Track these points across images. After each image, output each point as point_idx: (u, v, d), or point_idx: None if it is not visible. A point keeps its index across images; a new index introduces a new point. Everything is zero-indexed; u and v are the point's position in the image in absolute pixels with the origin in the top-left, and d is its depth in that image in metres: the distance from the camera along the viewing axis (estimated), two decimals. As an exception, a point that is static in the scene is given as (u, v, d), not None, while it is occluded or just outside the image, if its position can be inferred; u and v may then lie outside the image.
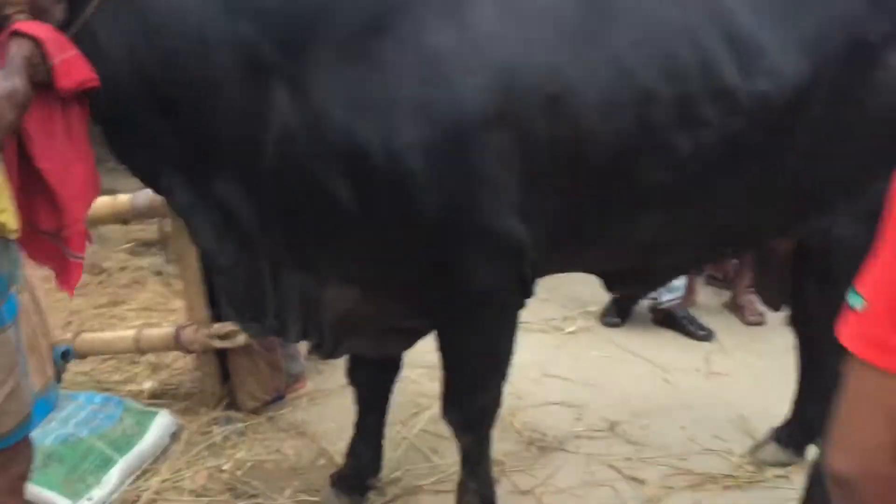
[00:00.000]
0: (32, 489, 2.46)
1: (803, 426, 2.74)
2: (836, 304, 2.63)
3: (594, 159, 1.88)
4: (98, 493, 2.50)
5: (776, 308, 2.69)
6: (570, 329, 3.89)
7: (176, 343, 2.90)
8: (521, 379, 3.37)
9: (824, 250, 2.21)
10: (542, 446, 2.92)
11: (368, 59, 1.75)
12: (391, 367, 2.49)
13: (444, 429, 3.00)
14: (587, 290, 4.07)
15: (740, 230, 2.23)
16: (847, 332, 0.90)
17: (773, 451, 2.79)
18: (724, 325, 3.88)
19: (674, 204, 2.03)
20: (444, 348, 2.13)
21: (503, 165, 1.82)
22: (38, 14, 1.68)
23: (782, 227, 2.25)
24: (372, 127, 1.75)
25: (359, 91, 1.75)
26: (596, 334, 3.87)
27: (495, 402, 2.21)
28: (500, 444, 2.91)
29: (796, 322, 2.56)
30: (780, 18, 1.95)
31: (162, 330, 2.98)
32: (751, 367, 3.51)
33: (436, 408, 3.12)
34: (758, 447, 2.82)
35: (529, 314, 3.90)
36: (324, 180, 1.79)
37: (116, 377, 3.37)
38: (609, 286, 2.46)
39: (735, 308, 4.01)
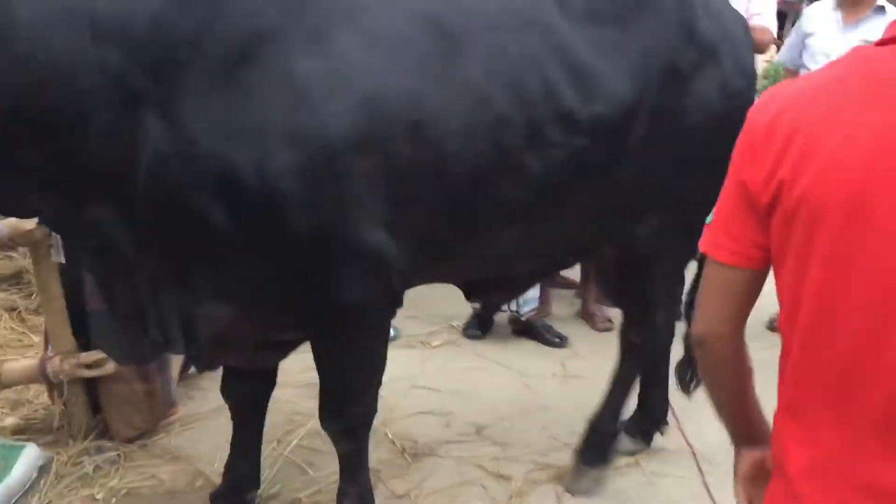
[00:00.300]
0: None
1: (648, 415, 3.04)
2: (656, 301, 2.98)
3: (455, 180, 2.06)
4: (-35, 531, 2.43)
5: (614, 301, 3.05)
6: (436, 343, 4.07)
7: (41, 375, 2.85)
8: (392, 392, 3.51)
9: (646, 253, 2.54)
10: (414, 453, 3.07)
11: (238, 87, 1.82)
12: (265, 381, 2.57)
13: (320, 444, 3.12)
14: (450, 306, 4.28)
15: (585, 239, 2.49)
16: (701, 240, 1.26)
17: (623, 442, 3.06)
18: (576, 333, 4.18)
19: (528, 218, 2.24)
20: (321, 360, 2.23)
21: (370, 186, 1.94)
22: None
23: (617, 234, 2.54)
24: (243, 152, 1.82)
25: (229, 118, 1.82)
26: (460, 347, 4.07)
27: (371, 408, 2.34)
28: (375, 453, 3.03)
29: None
30: (610, 49, 2.22)
31: (25, 362, 2.92)
32: (602, 369, 3.71)
33: (311, 424, 3.23)
34: None
35: (396, 330, 4.08)
36: (197, 204, 1.85)
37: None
38: (470, 296, 2.66)
39: (586, 316, 4.32)
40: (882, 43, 1.08)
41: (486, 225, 2.20)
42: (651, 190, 2.40)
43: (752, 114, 1.21)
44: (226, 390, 2.55)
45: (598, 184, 2.29)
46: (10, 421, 3.12)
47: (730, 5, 2.64)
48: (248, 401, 2.58)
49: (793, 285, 1.12)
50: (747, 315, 1.24)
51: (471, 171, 2.06)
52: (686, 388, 3.00)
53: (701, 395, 3.39)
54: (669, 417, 3.14)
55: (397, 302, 2.20)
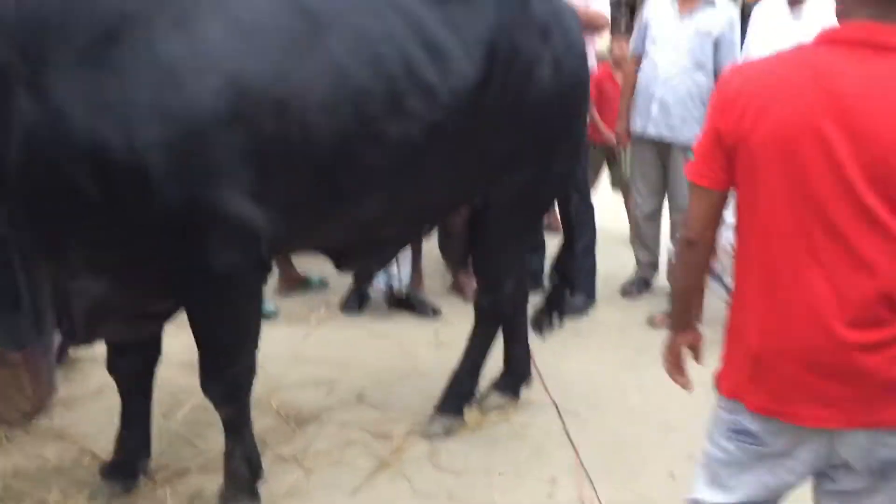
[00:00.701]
0: None
1: (513, 372, 3.32)
2: (502, 269, 3.24)
3: (321, 150, 2.23)
4: None
5: (460, 265, 3.40)
6: (316, 319, 4.22)
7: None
8: (275, 365, 3.65)
9: (488, 212, 2.85)
10: (298, 420, 3.22)
11: (105, 66, 1.93)
12: (150, 353, 2.65)
13: (206, 417, 3.22)
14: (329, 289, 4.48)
15: (442, 203, 2.77)
16: (686, 170, 1.73)
17: (494, 399, 3.33)
18: (449, 304, 4.43)
19: (390, 184, 2.45)
20: (197, 325, 2.35)
21: (236, 159, 2.08)
22: None
23: (468, 197, 2.83)
24: (112, 127, 1.93)
25: (98, 94, 1.92)
26: (339, 321, 4.24)
27: (250, 370, 2.47)
28: (260, 421, 3.15)
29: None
30: (461, 28, 2.47)
31: None
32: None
33: (195, 400, 3.31)
34: (482, 397, 3.34)
35: (277, 308, 4.20)
36: (69, 177, 1.94)
37: None
38: (338, 263, 2.83)
39: (457, 288, 4.58)
40: (818, 43, 1.54)
41: (351, 191, 2.39)
42: (499, 157, 2.68)
43: (723, 81, 1.71)
44: (112, 365, 2.62)
45: (452, 151, 2.52)
46: None
47: None
48: (135, 373, 2.65)
49: (746, 202, 1.62)
50: (719, 221, 1.74)
51: (335, 141, 2.24)
52: (541, 331, 3.37)
53: (560, 350, 3.74)
54: (533, 373, 3.43)
55: (266, 266, 2.35)
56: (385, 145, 2.35)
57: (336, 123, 2.23)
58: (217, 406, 2.49)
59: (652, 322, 4.28)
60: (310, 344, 3.94)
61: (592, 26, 4.26)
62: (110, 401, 2.83)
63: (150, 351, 2.65)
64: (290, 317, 4.24)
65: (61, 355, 3.33)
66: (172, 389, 3.37)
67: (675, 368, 1.91)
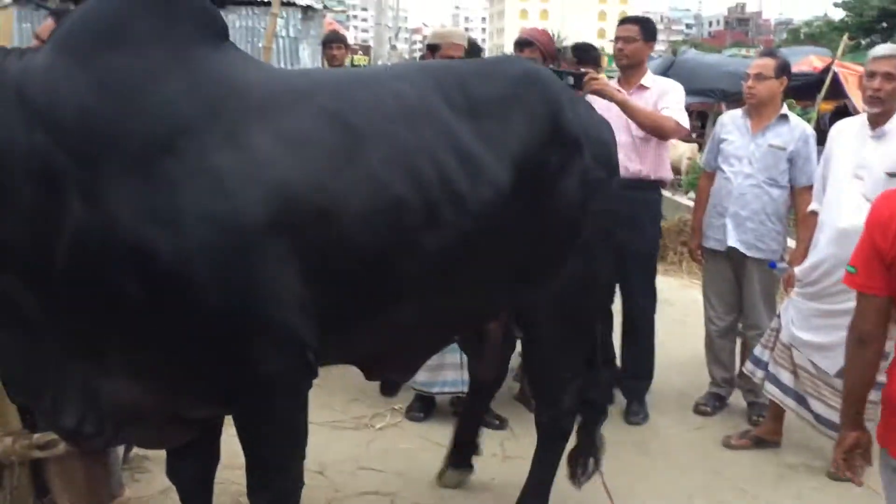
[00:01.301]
0: None
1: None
2: (555, 383, 3.13)
3: (357, 259, 2.25)
4: None
5: (491, 378, 3.36)
6: (380, 425, 4.19)
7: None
8: (338, 472, 3.63)
9: (533, 327, 2.90)
10: (359, 532, 3.16)
11: (157, 174, 1.99)
12: (209, 459, 2.64)
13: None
14: (393, 389, 4.42)
15: (473, 311, 2.78)
16: (850, 283, 2.15)
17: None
18: (514, 414, 4.33)
19: (423, 292, 2.44)
20: (243, 435, 2.32)
21: (282, 267, 2.11)
22: None
23: (501, 306, 2.87)
24: (161, 233, 1.97)
25: (148, 201, 1.97)
26: (403, 429, 4.19)
27: (297, 480, 2.42)
28: (323, 533, 3.13)
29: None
30: (493, 141, 2.51)
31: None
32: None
33: (257, 505, 3.28)
34: None
35: (341, 413, 4.19)
36: (115, 280, 1.98)
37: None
38: (367, 373, 2.79)
39: (523, 399, 4.49)
40: None
41: (385, 300, 2.38)
42: (530, 266, 2.71)
43: (877, 205, 2.10)
44: (171, 469, 2.61)
45: (482, 259, 2.53)
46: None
47: (592, 109, 3.05)
48: (194, 479, 2.64)
49: None
50: (888, 321, 2.10)
51: (372, 249, 2.26)
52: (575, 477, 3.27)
53: (630, 468, 3.60)
54: (602, 492, 3.31)
55: (313, 373, 2.32)
56: (419, 253, 2.36)
57: (373, 232, 2.26)
58: None
59: (728, 443, 4.11)
60: (373, 451, 3.89)
61: (659, 131, 4.23)
62: (176, 502, 2.81)
63: (208, 455, 2.64)
64: (355, 421, 4.21)
65: (126, 455, 3.38)
66: (235, 493, 3.35)
67: (846, 465, 2.15)
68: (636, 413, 4.42)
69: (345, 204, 2.19)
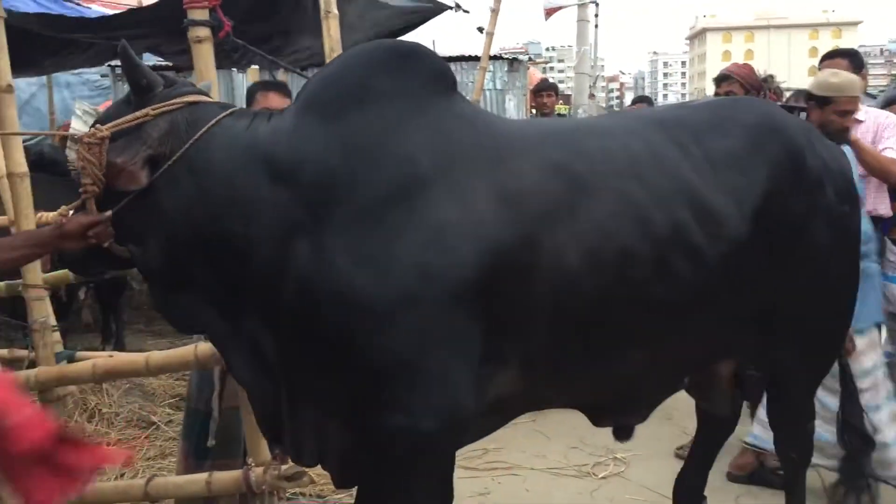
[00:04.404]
0: None
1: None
2: (802, 414, 2.93)
3: (572, 313, 2.20)
4: None
5: (720, 416, 3.13)
6: (603, 474, 4.09)
7: (244, 484, 3.07)
8: (564, 520, 3.55)
9: (781, 366, 2.75)
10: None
11: (381, 225, 2.05)
12: (446, 498, 2.60)
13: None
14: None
15: (702, 358, 2.70)
16: None
17: None
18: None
19: (648, 344, 2.37)
20: (382, 492, 2.24)
21: (476, 323, 2.08)
22: (123, 181, 2.09)
23: (731, 352, 2.75)
24: (370, 277, 2.02)
25: (367, 249, 2.03)
26: (627, 478, 4.06)
27: None
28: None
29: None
30: (733, 193, 2.41)
31: (234, 473, 3.16)
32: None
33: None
34: None
35: (563, 459, 4.14)
36: (328, 323, 2.04)
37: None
38: (594, 419, 2.68)
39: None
40: None
41: (607, 351, 2.33)
42: (763, 313, 2.57)
43: None
44: None
45: (715, 309, 2.44)
46: (208, 529, 3.35)
47: (825, 140, 2.82)
48: None
49: None
50: None
51: (591, 303, 2.21)
52: None
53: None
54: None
55: (459, 443, 2.31)
56: (648, 305, 2.30)
57: (594, 286, 2.20)
58: None
59: None
60: (598, 500, 3.80)
61: (886, 175, 3.92)
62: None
63: (445, 497, 2.59)
64: (575, 469, 4.13)
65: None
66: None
67: None
68: None
69: (561, 259, 2.16)
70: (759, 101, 3.33)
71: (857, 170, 3.91)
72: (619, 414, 2.72)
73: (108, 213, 2.13)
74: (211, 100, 2.34)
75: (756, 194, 2.44)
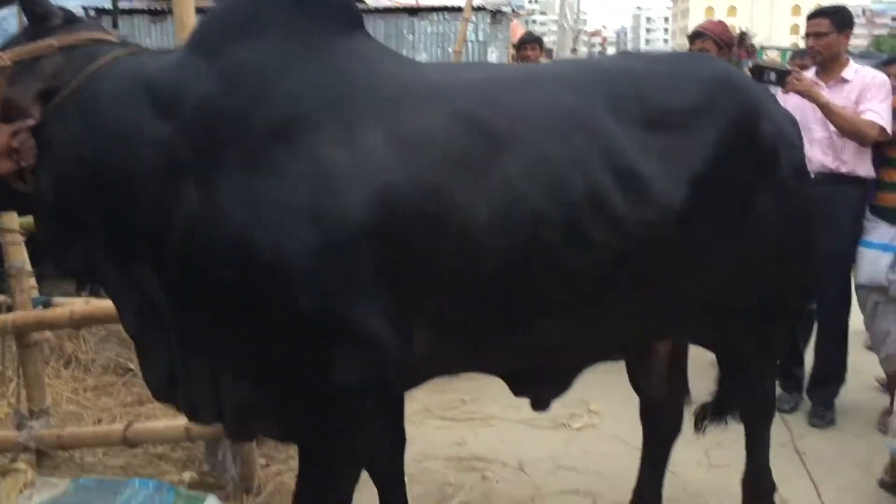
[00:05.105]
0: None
1: None
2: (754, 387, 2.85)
3: (484, 275, 2.06)
4: (157, 569, 2.67)
5: (658, 398, 3.04)
6: (578, 426, 4.16)
7: (225, 434, 3.10)
8: (537, 470, 3.65)
9: (728, 343, 2.64)
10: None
11: (268, 166, 1.97)
12: (397, 444, 2.69)
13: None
14: (589, 391, 4.37)
15: (634, 333, 2.50)
16: None
17: None
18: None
19: (569, 314, 2.22)
20: (300, 443, 2.23)
21: (378, 274, 1.98)
22: (14, 114, 2.00)
23: (670, 329, 2.59)
24: (263, 226, 1.93)
25: (256, 193, 1.94)
26: (600, 430, 4.14)
27: (348, 501, 2.28)
28: (526, 528, 3.15)
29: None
30: (666, 154, 2.21)
31: (212, 421, 3.18)
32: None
33: (462, 496, 3.37)
34: None
35: (539, 413, 4.19)
36: (217, 271, 1.97)
37: (150, 470, 3.54)
38: (512, 387, 2.55)
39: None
40: None
41: (522, 319, 2.18)
42: (712, 293, 2.42)
43: None
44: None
45: (645, 282, 2.28)
46: (187, 475, 3.40)
47: (783, 109, 2.67)
48: (384, 465, 2.68)
49: None
50: None
51: (501, 267, 2.07)
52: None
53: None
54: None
55: (389, 390, 2.17)
56: (562, 274, 2.14)
57: (503, 248, 2.06)
58: None
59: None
60: (572, 451, 3.88)
61: (860, 137, 3.98)
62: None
63: (395, 444, 2.68)
64: (551, 420, 4.19)
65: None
66: (441, 483, 3.45)
67: None
68: (821, 416, 4.31)
69: (468, 215, 2.02)
70: (720, 61, 3.16)
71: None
72: (540, 385, 2.58)
73: (31, 120, 2.02)
74: (117, 41, 2.22)
75: (699, 158, 2.25)
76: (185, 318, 2.07)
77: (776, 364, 2.98)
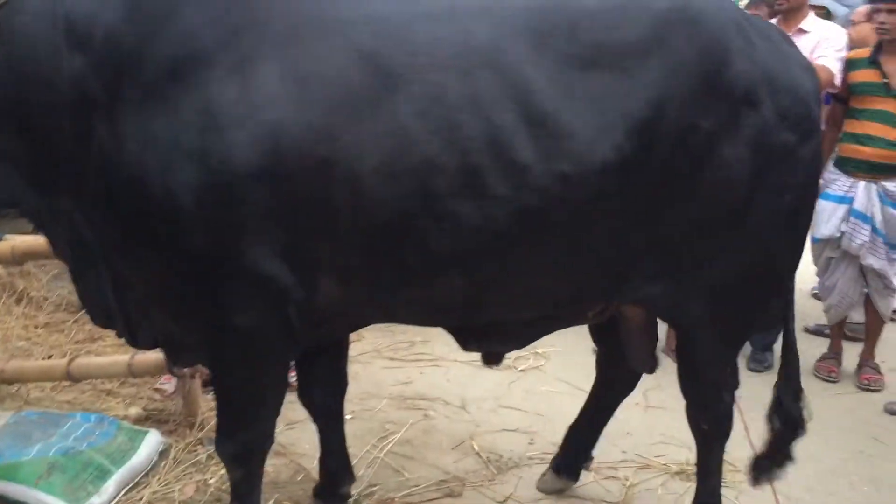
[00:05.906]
0: (37, 495, 2.68)
1: (577, 454, 3.08)
2: (715, 382, 2.62)
3: (375, 221, 1.99)
4: (97, 500, 2.73)
5: (649, 370, 2.94)
6: (522, 367, 4.24)
7: (168, 368, 3.14)
8: (479, 409, 3.74)
9: (682, 316, 2.40)
10: (500, 466, 3.24)
11: (163, 103, 1.93)
12: (336, 385, 2.72)
13: (412, 451, 3.33)
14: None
15: (568, 292, 2.29)
16: None
17: (550, 480, 3.08)
18: (660, 364, 4.26)
19: (471, 269, 2.09)
20: (215, 381, 2.32)
21: (268, 215, 1.95)
22: None
23: (605, 294, 2.35)
24: (155, 163, 1.93)
25: (151, 130, 1.93)
26: (545, 372, 4.22)
27: (263, 437, 2.33)
28: (462, 463, 3.25)
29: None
30: (597, 98, 2.00)
31: (156, 355, 3.21)
32: (683, 401, 3.89)
33: (402, 433, 3.45)
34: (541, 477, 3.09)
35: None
36: (120, 207, 2.00)
37: (98, 405, 3.58)
38: (459, 342, 2.49)
39: (669, 350, 4.41)
40: None
41: (418, 271, 2.10)
42: (653, 252, 2.21)
43: None
44: (302, 396, 2.69)
45: (566, 242, 2.13)
46: (133, 410, 3.44)
47: (782, 46, 2.29)
48: (325, 403, 2.72)
49: None
50: None
51: (392, 214, 1.99)
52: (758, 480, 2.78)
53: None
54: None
55: (293, 334, 2.14)
56: (455, 228, 2.01)
57: (392, 196, 1.96)
58: (226, 467, 2.39)
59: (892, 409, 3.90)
60: (514, 391, 3.96)
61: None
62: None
63: (338, 382, 2.72)
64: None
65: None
66: (382, 420, 3.53)
67: None
68: (760, 361, 4.45)
69: (357, 158, 1.94)
70: None
71: None
72: (485, 341, 2.52)
73: None
74: None
75: (639, 103, 2.03)
76: (109, 251, 2.09)
77: (735, 367, 2.68)
